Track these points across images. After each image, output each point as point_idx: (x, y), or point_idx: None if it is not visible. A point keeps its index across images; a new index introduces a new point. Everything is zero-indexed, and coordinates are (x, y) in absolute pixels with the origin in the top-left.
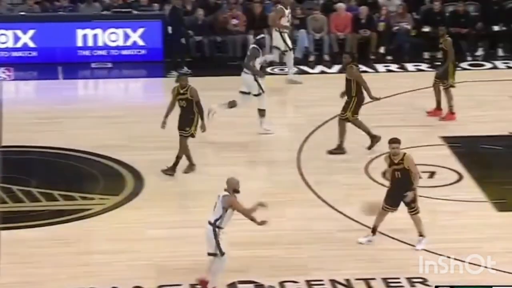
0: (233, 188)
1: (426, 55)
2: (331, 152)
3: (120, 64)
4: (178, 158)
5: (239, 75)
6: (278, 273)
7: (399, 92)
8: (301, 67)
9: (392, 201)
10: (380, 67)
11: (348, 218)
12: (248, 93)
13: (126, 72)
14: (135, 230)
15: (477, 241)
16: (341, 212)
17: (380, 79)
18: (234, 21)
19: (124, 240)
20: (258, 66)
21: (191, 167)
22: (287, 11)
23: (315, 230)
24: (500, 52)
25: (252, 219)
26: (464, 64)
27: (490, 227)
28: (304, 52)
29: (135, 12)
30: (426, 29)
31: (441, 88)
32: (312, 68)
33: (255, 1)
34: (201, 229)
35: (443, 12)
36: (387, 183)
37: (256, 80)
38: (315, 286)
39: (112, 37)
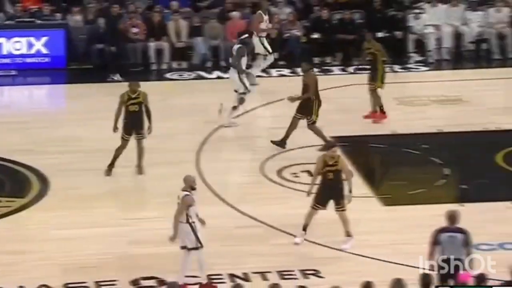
0: (189, 185)
1: (316, 60)
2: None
3: (24, 71)
4: (140, 159)
5: (140, 80)
6: (179, 268)
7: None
8: (199, 72)
9: (322, 200)
10: (273, 71)
11: (245, 215)
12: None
13: (30, 79)
14: (41, 231)
15: (365, 234)
16: (238, 210)
17: (273, 83)
18: (134, 30)
19: (30, 241)
20: (243, 65)
21: (110, 169)
22: (266, 17)
23: (214, 227)
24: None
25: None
26: (351, 69)
27: (377, 221)
28: (201, 59)
29: (38, 21)
30: (315, 35)
31: (369, 89)
32: (210, 73)
33: (154, 11)
34: (105, 228)
35: (330, 20)
36: (284, 182)
37: (240, 79)
38: (214, 280)
39: (16, 45)
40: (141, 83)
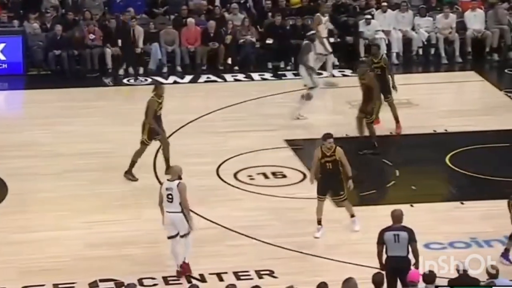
0: (177, 174)
1: (269, 65)
2: (372, 154)
3: None
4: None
5: (97, 86)
6: (137, 270)
7: (246, 100)
8: (156, 77)
9: (322, 190)
10: (228, 76)
11: (202, 218)
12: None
13: None
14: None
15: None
16: (195, 212)
17: (229, 88)
18: (91, 36)
19: None
20: (312, 61)
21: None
22: (325, 18)
23: None
24: (336, 61)
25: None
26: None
27: (329, 221)
28: (157, 64)
29: None
30: (269, 41)
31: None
32: (166, 78)
33: (111, 17)
34: (62, 232)
35: (284, 26)
36: (240, 184)
37: (309, 74)
38: (171, 282)
39: None
40: (98, 89)
